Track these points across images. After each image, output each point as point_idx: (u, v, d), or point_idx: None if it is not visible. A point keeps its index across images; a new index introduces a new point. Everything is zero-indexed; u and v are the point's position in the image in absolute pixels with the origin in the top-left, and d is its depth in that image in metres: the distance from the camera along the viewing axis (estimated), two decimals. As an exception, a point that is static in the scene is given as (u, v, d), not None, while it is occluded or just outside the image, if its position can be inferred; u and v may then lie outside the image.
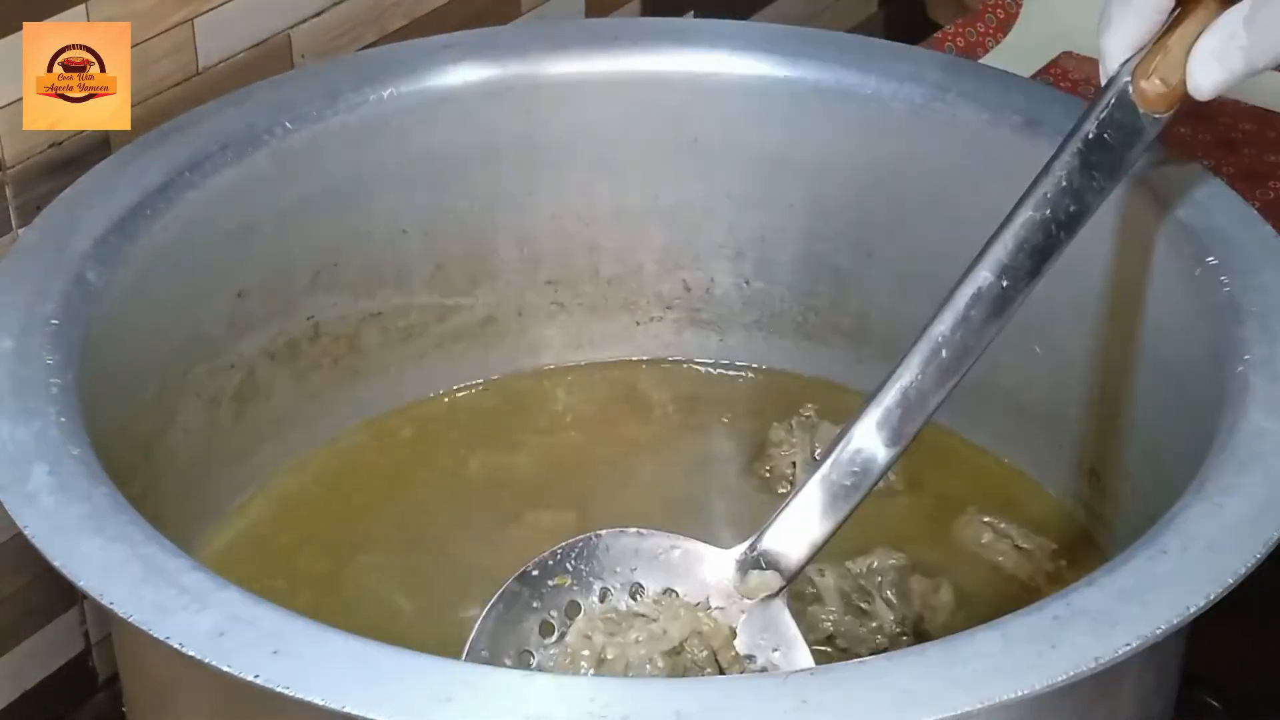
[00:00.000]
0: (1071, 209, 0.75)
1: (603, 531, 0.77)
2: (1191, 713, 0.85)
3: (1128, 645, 0.61)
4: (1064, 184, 0.75)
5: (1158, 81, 0.76)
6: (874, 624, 0.83)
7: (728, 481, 0.94)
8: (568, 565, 0.76)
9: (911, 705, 0.59)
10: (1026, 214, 0.75)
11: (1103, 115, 0.76)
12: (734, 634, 0.75)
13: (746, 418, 0.96)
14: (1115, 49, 0.77)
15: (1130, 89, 0.76)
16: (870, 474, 0.73)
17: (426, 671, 0.60)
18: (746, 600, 0.75)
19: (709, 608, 0.75)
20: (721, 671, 0.74)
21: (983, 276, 0.75)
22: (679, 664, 0.74)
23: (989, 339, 0.74)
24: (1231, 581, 0.64)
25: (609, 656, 0.74)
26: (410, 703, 0.59)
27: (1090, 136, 0.76)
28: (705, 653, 0.74)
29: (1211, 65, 0.75)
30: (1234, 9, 0.74)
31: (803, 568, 0.75)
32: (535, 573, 0.76)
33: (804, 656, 0.74)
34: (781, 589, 0.75)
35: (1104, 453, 0.87)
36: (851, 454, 0.73)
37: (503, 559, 0.88)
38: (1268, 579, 0.67)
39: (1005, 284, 0.74)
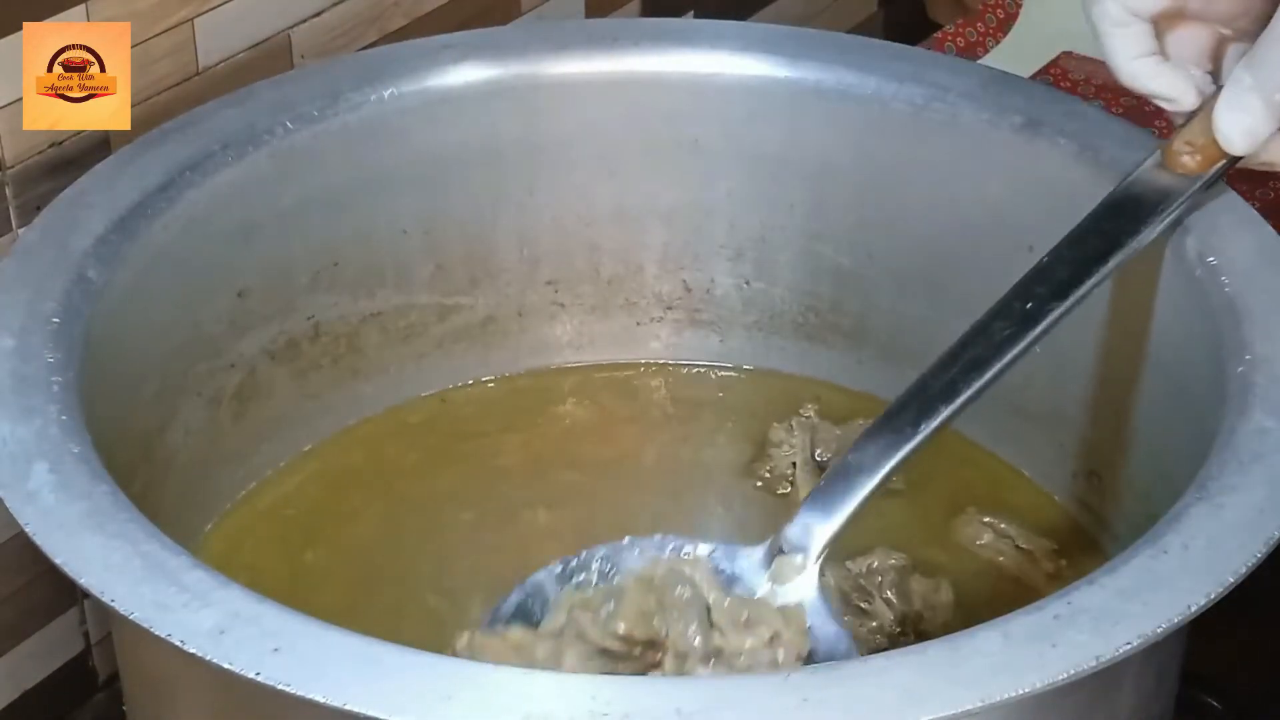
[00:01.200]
0: (1100, 248, 0.77)
1: (627, 539, 0.76)
2: (1191, 713, 0.85)
3: (1128, 644, 0.61)
4: (1092, 226, 0.78)
5: (1184, 144, 0.78)
6: (874, 624, 0.83)
7: (728, 482, 0.94)
8: (592, 565, 0.76)
9: (912, 703, 0.59)
10: (1053, 253, 0.77)
11: (1133, 176, 0.79)
12: (720, 575, 0.74)
13: (746, 418, 0.96)
14: (1121, 51, 0.79)
15: (1162, 158, 0.79)
16: (885, 465, 0.73)
17: (427, 669, 0.60)
18: (778, 587, 0.74)
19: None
20: (710, 614, 0.73)
21: (1008, 303, 0.76)
22: (648, 599, 0.72)
23: (1010, 355, 0.75)
24: (1231, 581, 0.64)
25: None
26: (411, 700, 0.59)
27: (1121, 194, 0.79)
28: (686, 590, 0.72)
29: (1231, 115, 0.77)
30: (1240, 62, 0.77)
31: (826, 549, 0.74)
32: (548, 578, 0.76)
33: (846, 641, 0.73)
34: (811, 567, 0.73)
35: (1104, 452, 0.87)
36: (870, 444, 0.74)
37: (503, 558, 0.89)
38: (1268, 579, 0.67)
39: (1029, 306, 0.76)
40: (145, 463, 0.81)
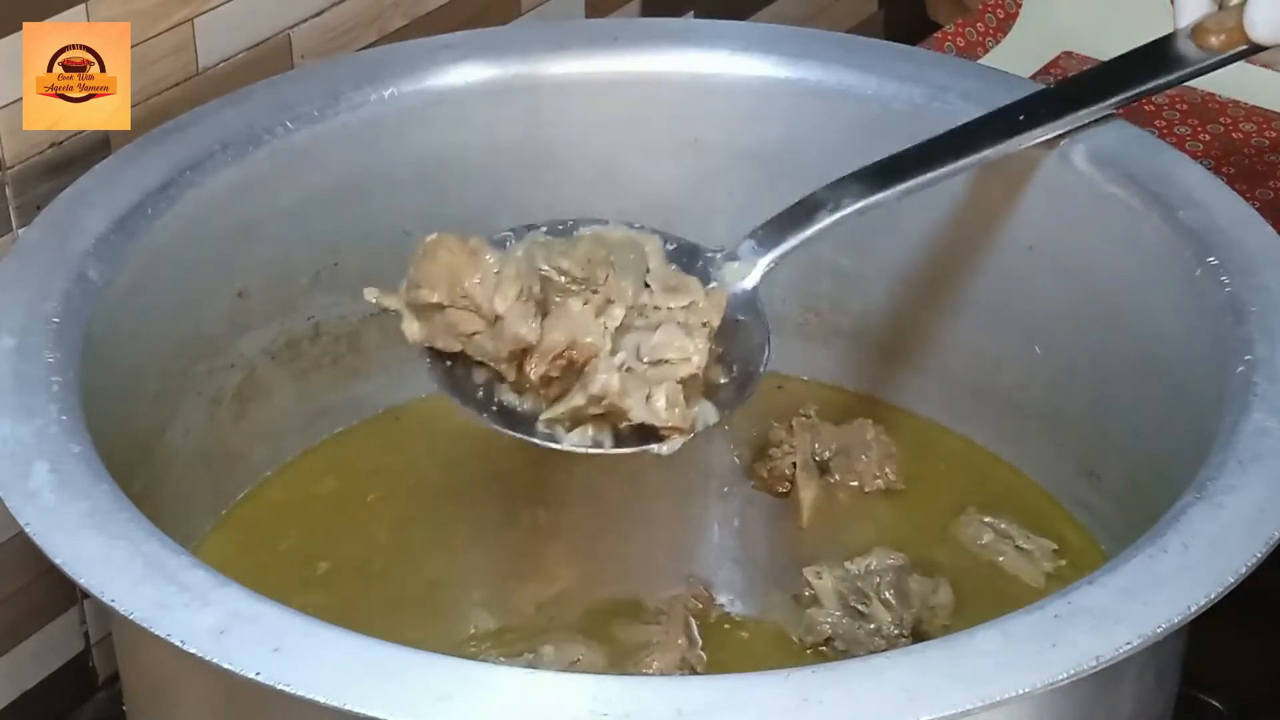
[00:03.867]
0: (1105, 88, 0.85)
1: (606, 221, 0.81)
2: (1191, 713, 0.85)
3: (1129, 644, 0.61)
4: (1103, 71, 0.88)
5: (1214, 23, 0.84)
6: (872, 626, 0.83)
7: (728, 482, 0.93)
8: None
9: (912, 703, 0.59)
10: (1061, 84, 0.88)
11: (1155, 43, 0.86)
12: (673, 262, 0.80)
13: (746, 419, 0.96)
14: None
15: (1192, 34, 0.85)
16: (844, 207, 0.81)
17: (427, 669, 0.60)
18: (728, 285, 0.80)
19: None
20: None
21: (1007, 111, 0.85)
22: (598, 251, 0.78)
23: (990, 150, 0.83)
24: (1231, 581, 0.64)
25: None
26: (410, 700, 0.59)
27: (1139, 52, 0.86)
28: (633, 253, 0.79)
29: (1262, 7, 0.82)
30: None
31: (773, 264, 0.81)
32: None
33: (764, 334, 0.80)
34: (754, 274, 0.81)
35: (1104, 453, 0.87)
36: (838, 185, 0.81)
37: (502, 557, 0.89)
38: (1268, 579, 0.67)
39: (1023, 118, 0.84)
40: (145, 463, 0.81)
